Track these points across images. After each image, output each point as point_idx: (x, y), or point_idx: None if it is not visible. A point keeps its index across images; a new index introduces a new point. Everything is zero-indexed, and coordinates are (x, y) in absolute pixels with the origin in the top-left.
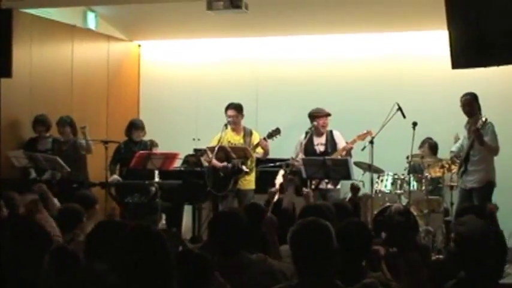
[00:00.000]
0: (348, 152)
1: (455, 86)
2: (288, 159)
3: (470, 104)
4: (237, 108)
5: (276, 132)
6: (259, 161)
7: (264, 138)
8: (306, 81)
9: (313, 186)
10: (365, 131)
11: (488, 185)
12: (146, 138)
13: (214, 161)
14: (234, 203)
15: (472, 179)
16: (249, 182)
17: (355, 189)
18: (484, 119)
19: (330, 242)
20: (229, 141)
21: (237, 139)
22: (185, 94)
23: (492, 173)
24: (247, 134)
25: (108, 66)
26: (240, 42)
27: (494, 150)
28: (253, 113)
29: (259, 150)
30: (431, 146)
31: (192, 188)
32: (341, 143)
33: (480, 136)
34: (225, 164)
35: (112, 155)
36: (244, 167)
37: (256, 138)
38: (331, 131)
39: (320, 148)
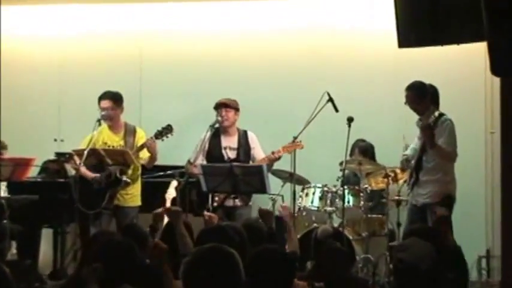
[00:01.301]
0: (273, 162)
1: (403, 70)
2: (182, 167)
3: (415, 100)
4: (114, 98)
5: (167, 130)
6: (145, 169)
7: (151, 138)
8: (209, 62)
9: (215, 204)
10: (295, 142)
11: (446, 200)
12: None
13: (84, 169)
14: (111, 224)
15: (425, 193)
16: (131, 196)
17: (265, 216)
18: (437, 114)
19: (237, 276)
20: (105, 143)
21: (115, 140)
22: (43, 79)
23: (451, 184)
24: (130, 132)
25: None
26: (118, 10)
27: (448, 155)
28: (136, 104)
29: (144, 154)
30: (362, 150)
31: (53, 206)
32: (257, 150)
33: (431, 136)
34: (97, 175)
35: None
36: (124, 177)
37: (141, 137)
38: (245, 132)
39: (229, 154)
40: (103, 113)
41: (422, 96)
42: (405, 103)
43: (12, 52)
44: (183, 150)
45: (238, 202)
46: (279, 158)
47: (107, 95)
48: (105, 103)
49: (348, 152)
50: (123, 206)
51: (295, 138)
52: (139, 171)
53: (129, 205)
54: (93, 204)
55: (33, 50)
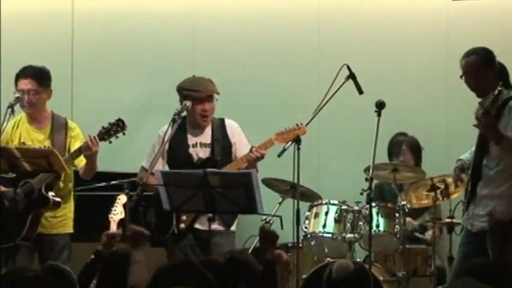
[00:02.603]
0: (253, 163)
1: (457, 33)
2: (133, 175)
3: (477, 71)
4: (39, 76)
5: (116, 127)
6: (79, 180)
7: (93, 139)
8: (170, 23)
9: (182, 225)
10: (292, 126)
11: None
12: None
13: None
14: (30, 260)
15: (485, 213)
16: (61, 220)
17: (267, 236)
18: (497, 91)
19: None
20: (22, 143)
21: (38, 138)
22: None
23: None
24: (59, 127)
25: None
26: None
27: None
28: (67, 86)
29: (81, 160)
30: (413, 148)
31: None
32: (240, 145)
33: (492, 126)
34: (10, 189)
35: None
36: (51, 194)
37: (76, 136)
38: (221, 122)
39: (200, 153)
40: (22, 96)
41: (488, 66)
42: (461, 77)
43: None
44: (135, 151)
45: (216, 225)
46: (261, 156)
47: (29, 72)
48: (26, 83)
49: (374, 153)
50: (49, 234)
51: (298, 125)
52: (72, 183)
53: (58, 232)
54: (7, 233)
55: None
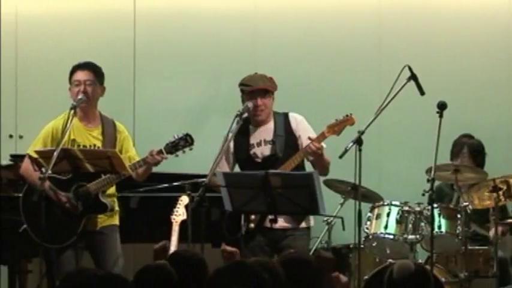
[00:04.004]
0: (317, 154)
1: None
2: (194, 176)
3: None
4: (95, 68)
5: (185, 142)
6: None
7: (160, 152)
8: (230, 24)
9: (252, 225)
10: (343, 117)
11: None
12: None
13: (49, 185)
14: (78, 259)
15: None
16: (110, 215)
17: (324, 263)
18: None
19: None
20: (72, 139)
21: (89, 138)
22: None
23: None
24: (108, 128)
25: None
26: None
27: None
28: (129, 87)
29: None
30: (473, 152)
31: (8, 233)
32: (306, 135)
33: None
34: (68, 194)
35: None
36: (105, 199)
37: (125, 139)
38: (285, 116)
39: (263, 150)
40: (80, 92)
41: None
42: None
43: None
44: (196, 153)
45: (285, 222)
46: (320, 148)
47: (86, 64)
48: (83, 74)
49: (451, 151)
50: (101, 227)
51: (347, 116)
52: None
53: (105, 224)
54: (59, 236)
55: None
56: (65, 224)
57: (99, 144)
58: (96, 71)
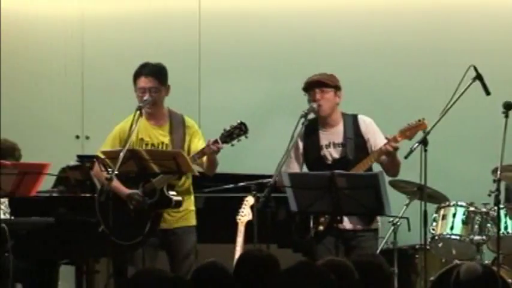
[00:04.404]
0: (392, 154)
1: None
2: (260, 177)
3: None
4: (158, 73)
5: (239, 131)
6: (206, 181)
7: (216, 142)
8: (294, 25)
9: (321, 227)
10: (415, 122)
11: None
12: None
13: (117, 184)
14: (155, 258)
15: None
16: (183, 214)
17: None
18: None
19: None
20: (140, 139)
21: (157, 136)
22: (59, 56)
23: None
24: (177, 124)
25: None
26: None
27: None
28: (194, 87)
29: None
30: None
31: (75, 232)
32: (375, 139)
33: None
34: (135, 191)
35: None
36: (171, 193)
37: (194, 133)
38: (354, 118)
39: (332, 153)
40: (144, 96)
41: None
42: None
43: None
44: (261, 153)
45: (355, 224)
46: (396, 148)
47: (148, 69)
48: (147, 81)
49: (502, 154)
50: (173, 229)
51: (420, 121)
52: (190, 178)
53: (181, 225)
54: (128, 233)
55: (48, 15)
56: (134, 222)
57: (167, 141)
58: (159, 76)
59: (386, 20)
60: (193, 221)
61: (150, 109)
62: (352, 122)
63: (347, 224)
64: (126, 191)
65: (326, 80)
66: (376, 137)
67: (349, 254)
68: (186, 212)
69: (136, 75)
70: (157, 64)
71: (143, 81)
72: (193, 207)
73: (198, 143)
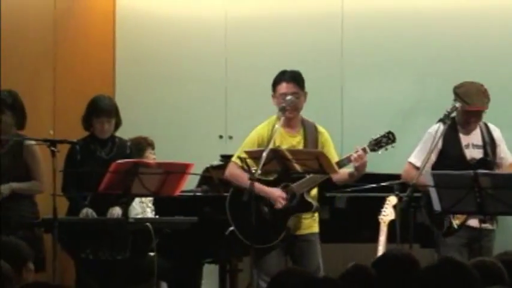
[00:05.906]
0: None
1: None
2: (398, 176)
3: None
4: (298, 78)
5: (387, 139)
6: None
7: (362, 150)
8: (440, 25)
9: (456, 225)
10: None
11: None
12: (127, 133)
13: (260, 185)
14: (280, 262)
15: None
16: (310, 221)
17: None
18: None
19: None
20: (277, 146)
21: (293, 142)
22: (203, 57)
23: None
24: (310, 133)
25: (55, 7)
26: None
27: None
28: (336, 86)
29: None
30: None
31: (219, 232)
32: (503, 148)
33: None
34: (282, 194)
35: (63, 167)
36: (310, 199)
37: (326, 142)
38: (485, 125)
39: (472, 153)
40: (287, 99)
41: None
42: None
43: (161, 22)
44: (403, 153)
45: (489, 224)
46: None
47: (289, 75)
48: (289, 87)
49: None
50: (302, 235)
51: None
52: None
53: (309, 232)
54: (264, 235)
55: (189, 23)
56: (271, 224)
57: (301, 148)
58: (300, 82)
59: (465, 21)
60: (317, 228)
61: (291, 114)
62: (485, 128)
63: (475, 221)
64: (274, 189)
65: (486, 107)
66: (503, 145)
67: (472, 253)
68: (314, 219)
69: (277, 81)
70: (296, 71)
71: (285, 87)
72: (317, 215)
73: (330, 150)
